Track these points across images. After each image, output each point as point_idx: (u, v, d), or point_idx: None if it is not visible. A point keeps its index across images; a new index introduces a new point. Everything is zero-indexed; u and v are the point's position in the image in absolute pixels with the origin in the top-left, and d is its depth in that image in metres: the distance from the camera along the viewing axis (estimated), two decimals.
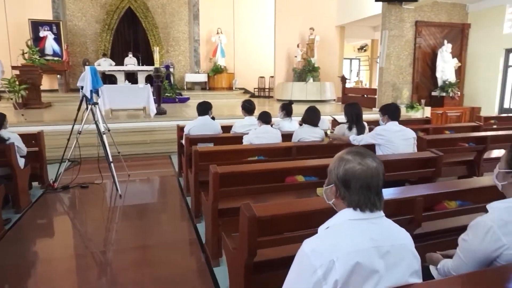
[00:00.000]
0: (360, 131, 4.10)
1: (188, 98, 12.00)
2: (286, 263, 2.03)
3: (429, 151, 3.35)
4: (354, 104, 4.17)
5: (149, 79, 11.00)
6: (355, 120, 4.02)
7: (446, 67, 9.45)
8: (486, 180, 2.54)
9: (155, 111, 7.94)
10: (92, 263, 2.93)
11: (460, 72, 9.79)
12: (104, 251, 3.09)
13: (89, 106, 4.74)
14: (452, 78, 9.46)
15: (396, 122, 3.60)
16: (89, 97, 4.75)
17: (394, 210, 2.18)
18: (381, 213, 1.22)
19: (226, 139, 4.35)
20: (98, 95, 5.00)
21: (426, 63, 9.65)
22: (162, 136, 7.09)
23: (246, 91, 14.69)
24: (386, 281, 1.13)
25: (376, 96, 9.92)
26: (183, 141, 4.37)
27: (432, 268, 1.66)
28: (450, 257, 1.58)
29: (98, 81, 4.89)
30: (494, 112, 9.26)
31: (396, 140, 3.52)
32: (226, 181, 2.70)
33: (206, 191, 2.91)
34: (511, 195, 1.45)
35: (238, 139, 4.13)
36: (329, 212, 1.30)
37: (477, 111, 9.48)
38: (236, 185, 2.75)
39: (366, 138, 3.69)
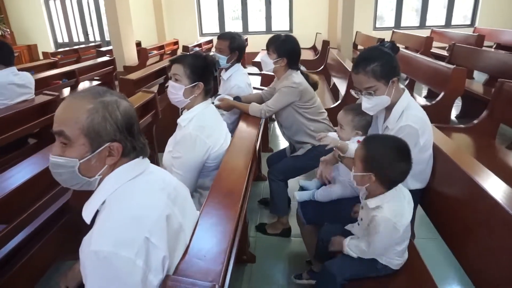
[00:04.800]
0: None
1: None
2: None
3: (45, 94, 2.93)
4: None
5: None
6: None
7: None
8: None
9: None
10: None
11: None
12: None
13: None
14: None
15: (14, 69, 2.83)
16: None
17: None
18: None
19: None
20: None
21: None
22: None
23: None
24: (188, 229, 0.98)
25: None
26: None
27: None
28: None
29: None
30: (51, 47, 9.24)
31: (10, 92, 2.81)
32: None
33: None
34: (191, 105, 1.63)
35: None
36: None
37: (34, 48, 9.04)
38: None
39: None
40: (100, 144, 0.85)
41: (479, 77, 5.54)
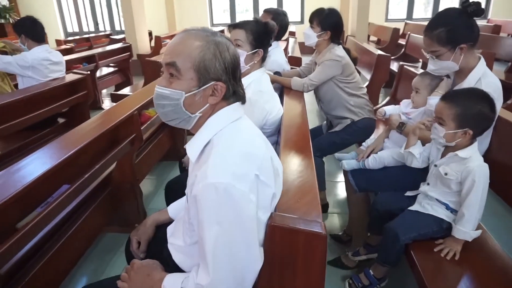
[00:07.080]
0: None
1: None
2: None
3: (74, 72, 2.94)
4: None
5: None
6: None
7: None
8: None
9: None
10: None
11: None
12: None
13: None
14: (4, 1, 8.21)
15: (47, 46, 2.93)
16: None
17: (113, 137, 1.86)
18: None
19: None
20: None
21: None
22: None
23: None
24: (281, 174, 0.99)
25: None
26: None
27: None
28: None
29: None
30: (61, 36, 9.22)
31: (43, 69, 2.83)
32: None
33: None
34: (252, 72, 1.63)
35: None
36: None
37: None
38: None
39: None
40: (206, 81, 0.84)
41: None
